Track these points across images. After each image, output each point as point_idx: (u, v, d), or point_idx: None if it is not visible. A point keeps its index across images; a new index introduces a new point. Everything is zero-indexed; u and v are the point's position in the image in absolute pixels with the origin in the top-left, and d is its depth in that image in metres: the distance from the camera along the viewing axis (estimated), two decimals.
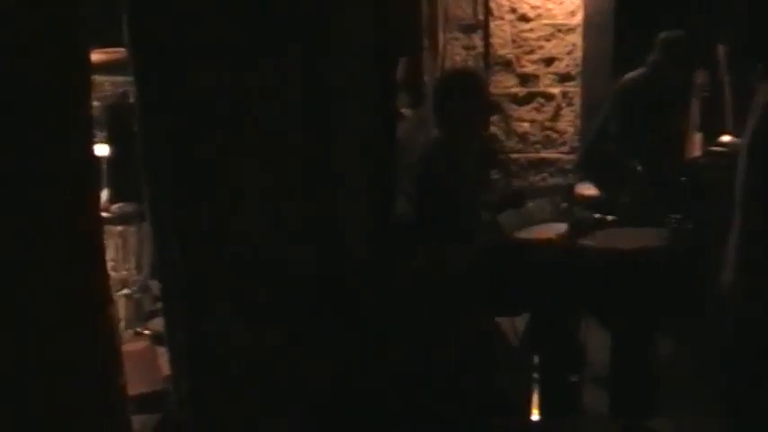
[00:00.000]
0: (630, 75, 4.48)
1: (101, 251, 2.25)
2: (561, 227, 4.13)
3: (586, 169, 4.57)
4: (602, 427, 3.80)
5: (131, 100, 2.63)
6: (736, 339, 3.08)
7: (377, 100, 2.98)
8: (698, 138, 4.74)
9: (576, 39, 5.15)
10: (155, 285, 3.70)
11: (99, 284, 2.27)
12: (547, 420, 3.80)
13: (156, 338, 3.27)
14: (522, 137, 5.26)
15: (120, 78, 3.39)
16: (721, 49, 4.78)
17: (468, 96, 3.88)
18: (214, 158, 2.50)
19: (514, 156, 5.18)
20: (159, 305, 3.63)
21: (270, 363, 2.71)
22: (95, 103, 3.24)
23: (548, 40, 5.16)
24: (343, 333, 2.98)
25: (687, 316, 3.94)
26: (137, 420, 2.47)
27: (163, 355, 3.15)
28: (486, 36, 5.08)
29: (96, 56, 2.63)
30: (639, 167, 4.26)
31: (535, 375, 3.93)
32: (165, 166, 2.55)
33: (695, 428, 3.69)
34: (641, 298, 3.94)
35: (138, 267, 3.63)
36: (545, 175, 5.29)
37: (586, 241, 4.06)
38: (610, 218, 4.28)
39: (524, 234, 4.08)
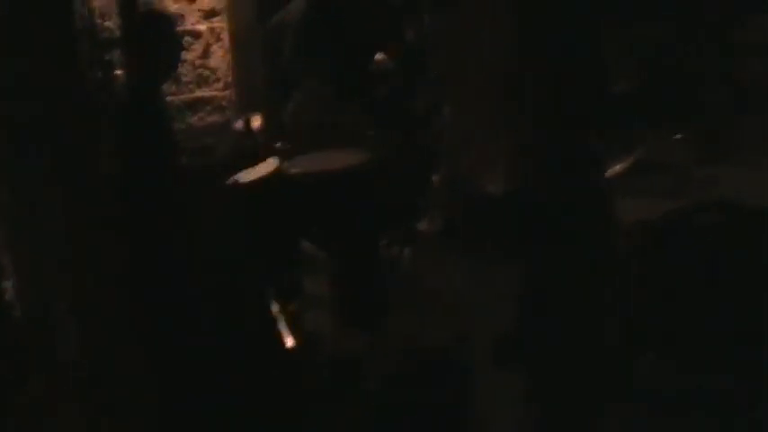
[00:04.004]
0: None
1: None
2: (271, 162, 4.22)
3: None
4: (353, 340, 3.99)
5: None
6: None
7: None
8: None
9: None
10: None
11: None
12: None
13: None
14: (174, 78, 5.11)
15: None
16: None
17: (170, 35, 3.79)
18: None
19: (169, 98, 5.03)
20: None
21: None
22: None
23: None
24: None
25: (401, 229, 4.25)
26: None
27: None
28: None
29: None
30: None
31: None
32: None
33: None
34: (353, 217, 4.18)
35: None
36: (202, 114, 5.22)
37: (293, 169, 4.18)
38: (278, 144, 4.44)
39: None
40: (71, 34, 2.82)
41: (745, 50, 3.85)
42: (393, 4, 4.80)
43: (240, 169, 4.20)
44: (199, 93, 5.21)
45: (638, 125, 3.94)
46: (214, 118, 5.21)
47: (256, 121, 4.73)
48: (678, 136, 3.90)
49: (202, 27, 5.14)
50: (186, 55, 5.11)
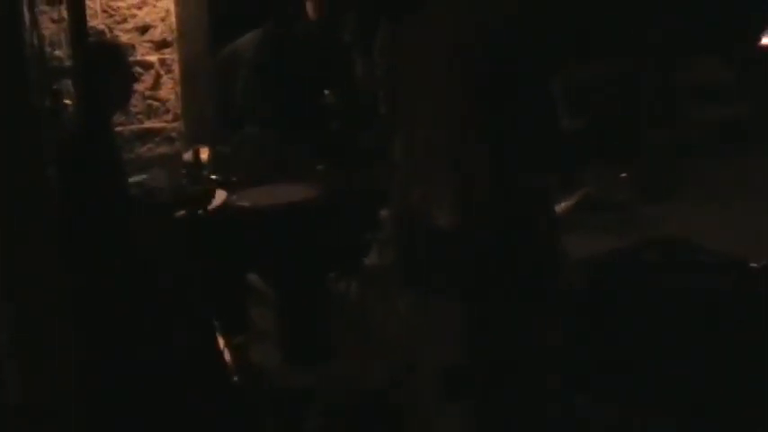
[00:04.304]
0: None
1: None
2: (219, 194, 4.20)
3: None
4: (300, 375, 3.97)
5: None
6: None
7: None
8: None
9: (168, 4, 5.07)
10: None
11: None
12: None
13: None
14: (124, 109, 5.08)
15: None
16: None
17: (121, 67, 3.78)
18: None
19: (118, 129, 4.99)
20: None
21: None
22: None
23: (139, 8, 5.02)
24: None
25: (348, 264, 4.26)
26: None
27: None
28: None
29: None
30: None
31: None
32: None
33: None
34: (299, 252, 4.16)
35: None
36: (151, 145, 5.19)
37: (241, 202, 4.17)
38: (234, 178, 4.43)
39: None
40: (20, 63, 2.78)
41: (689, 93, 3.94)
42: (344, 39, 4.85)
43: (188, 202, 4.17)
44: (148, 124, 5.18)
45: (585, 163, 4.01)
46: (163, 149, 5.18)
47: (205, 153, 4.72)
48: (624, 174, 3.96)
49: (153, 58, 5.12)
50: (136, 86, 5.07)
